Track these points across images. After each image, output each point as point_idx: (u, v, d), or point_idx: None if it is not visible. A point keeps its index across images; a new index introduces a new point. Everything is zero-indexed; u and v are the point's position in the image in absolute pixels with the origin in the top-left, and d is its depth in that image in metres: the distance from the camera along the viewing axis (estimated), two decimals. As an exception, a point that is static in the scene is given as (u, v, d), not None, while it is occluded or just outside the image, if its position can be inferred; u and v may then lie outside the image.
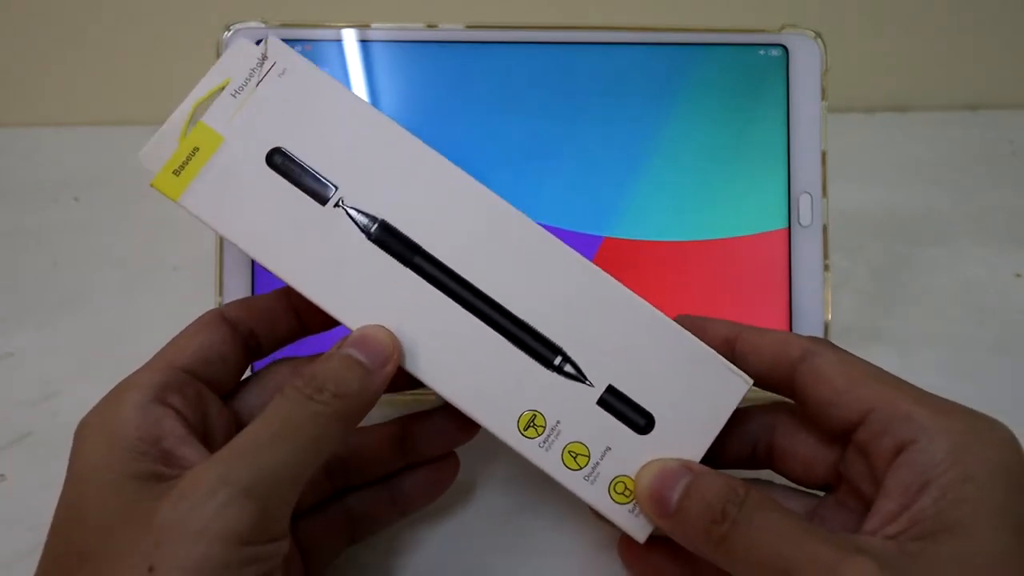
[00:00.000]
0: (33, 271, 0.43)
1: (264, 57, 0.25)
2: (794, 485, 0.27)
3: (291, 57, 0.25)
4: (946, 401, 0.23)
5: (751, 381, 0.25)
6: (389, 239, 0.25)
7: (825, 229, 0.35)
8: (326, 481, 0.28)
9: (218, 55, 0.34)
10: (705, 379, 0.25)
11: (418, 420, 0.29)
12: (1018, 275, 0.44)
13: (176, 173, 0.24)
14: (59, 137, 0.53)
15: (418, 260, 0.25)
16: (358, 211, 0.25)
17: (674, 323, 0.25)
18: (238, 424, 0.26)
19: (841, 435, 0.24)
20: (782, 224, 0.35)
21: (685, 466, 0.24)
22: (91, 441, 0.22)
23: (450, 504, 0.31)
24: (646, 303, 0.25)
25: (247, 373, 0.27)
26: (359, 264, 0.24)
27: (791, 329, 0.34)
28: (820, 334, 0.34)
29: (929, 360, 0.39)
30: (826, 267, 0.34)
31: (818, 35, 0.35)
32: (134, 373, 0.24)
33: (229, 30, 0.34)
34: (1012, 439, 0.22)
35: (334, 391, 0.22)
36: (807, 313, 0.34)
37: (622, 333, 0.25)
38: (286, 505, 0.22)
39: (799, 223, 0.35)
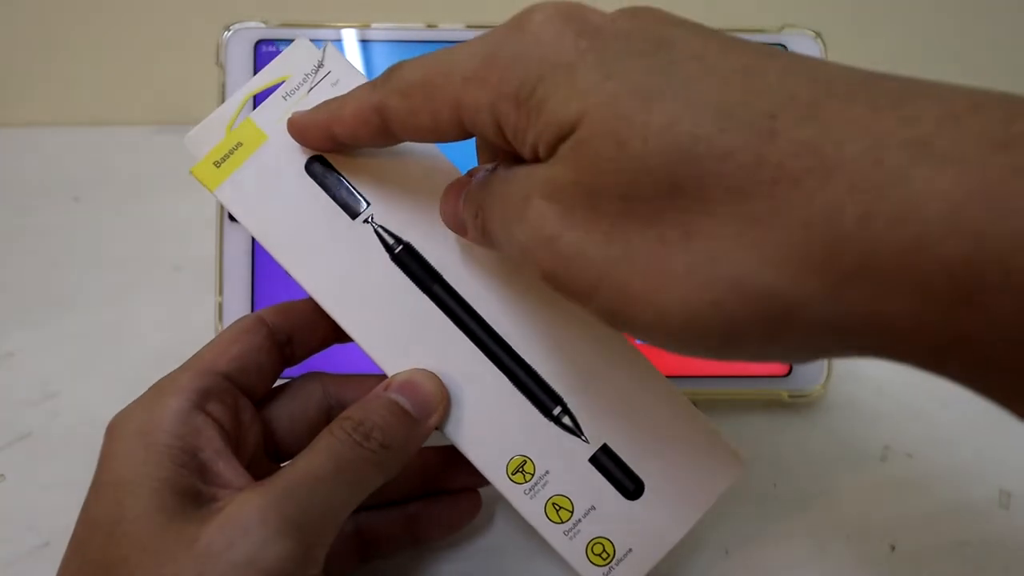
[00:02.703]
0: (33, 271, 0.43)
1: (320, 64, 0.25)
2: None
3: (347, 69, 0.25)
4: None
5: (744, 463, 0.25)
6: (411, 262, 0.25)
7: (825, 229, 0.34)
8: None
9: (218, 55, 0.34)
10: (702, 456, 0.25)
11: (445, 452, 0.28)
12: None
13: (217, 164, 0.24)
14: (59, 137, 0.53)
15: (436, 288, 0.25)
16: (386, 230, 0.25)
17: (683, 396, 0.25)
18: (267, 433, 0.25)
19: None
20: (782, 224, 0.35)
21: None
22: (127, 444, 0.22)
23: (475, 522, 0.30)
24: (658, 372, 0.25)
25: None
26: (377, 282, 0.24)
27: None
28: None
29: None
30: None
31: (818, 35, 0.35)
32: (173, 374, 0.23)
33: (229, 30, 0.34)
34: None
35: (381, 440, 0.22)
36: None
37: (628, 396, 0.25)
38: (324, 546, 0.21)
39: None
